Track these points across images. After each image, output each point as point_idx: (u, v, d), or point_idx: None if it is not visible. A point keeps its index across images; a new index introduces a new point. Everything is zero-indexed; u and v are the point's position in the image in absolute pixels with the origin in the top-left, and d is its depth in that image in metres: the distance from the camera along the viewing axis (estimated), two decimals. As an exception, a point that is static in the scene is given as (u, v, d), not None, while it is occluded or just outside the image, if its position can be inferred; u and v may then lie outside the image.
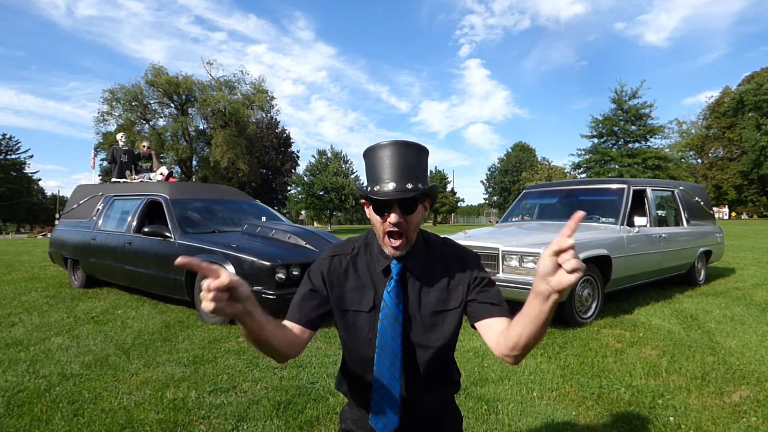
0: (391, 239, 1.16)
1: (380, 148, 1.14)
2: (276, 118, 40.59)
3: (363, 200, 1.21)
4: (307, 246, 5.24)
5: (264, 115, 34.78)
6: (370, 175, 1.17)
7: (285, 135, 43.64)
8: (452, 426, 1.35)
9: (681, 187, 7.21)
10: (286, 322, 1.22)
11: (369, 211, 1.19)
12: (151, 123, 31.78)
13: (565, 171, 45.11)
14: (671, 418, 2.69)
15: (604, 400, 2.96)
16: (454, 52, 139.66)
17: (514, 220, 7.09)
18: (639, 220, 5.66)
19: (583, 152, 39.02)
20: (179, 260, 0.85)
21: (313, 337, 4.43)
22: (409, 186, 1.11)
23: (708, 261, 7.45)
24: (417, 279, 1.22)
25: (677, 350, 3.90)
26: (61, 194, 60.57)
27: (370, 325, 1.21)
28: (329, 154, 40.10)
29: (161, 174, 7.67)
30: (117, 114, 30.25)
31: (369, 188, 1.15)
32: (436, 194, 1.23)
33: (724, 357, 3.72)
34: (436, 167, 53.84)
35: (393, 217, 1.13)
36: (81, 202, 7.67)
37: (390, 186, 1.11)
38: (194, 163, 33.64)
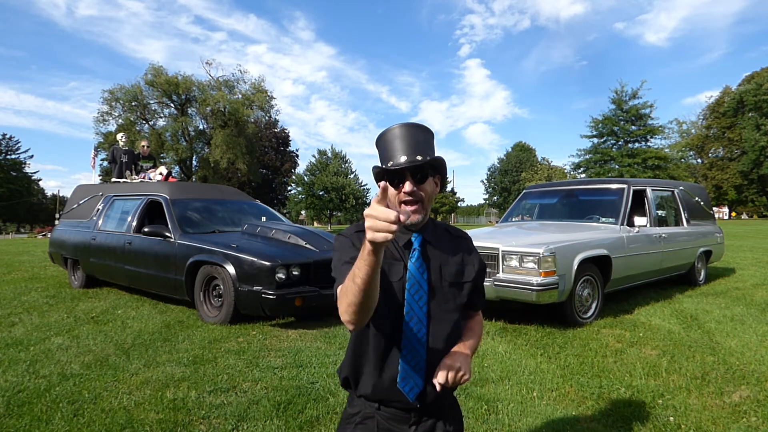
0: (408, 205, 1.25)
1: (390, 131, 1.26)
2: (275, 118, 40.56)
3: (379, 183, 1.29)
4: (307, 246, 5.24)
5: (263, 114, 34.76)
6: (383, 156, 1.27)
7: (284, 135, 43.63)
8: (459, 416, 1.39)
9: (681, 187, 7.21)
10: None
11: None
12: (150, 123, 31.74)
13: (565, 171, 45.13)
14: (671, 418, 2.69)
15: (604, 400, 2.96)
16: (454, 52, 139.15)
17: (514, 220, 7.09)
18: (639, 220, 5.66)
19: (583, 152, 39.05)
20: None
21: (314, 338, 4.43)
22: (419, 158, 1.21)
23: (708, 261, 7.45)
24: (435, 251, 1.31)
25: (677, 350, 3.90)
26: (61, 194, 60.51)
27: (397, 296, 1.26)
28: (329, 154, 40.10)
29: (160, 174, 7.68)
30: (117, 114, 30.19)
31: (384, 166, 1.26)
32: (445, 169, 1.32)
33: (724, 357, 3.72)
34: (436, 167, 53.67)
35: (407, 186, 1.22)
36: (81, 202, 7.67)
37: (402, 159, 1.22)
38: (194, 163, 33.62)
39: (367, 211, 0.91)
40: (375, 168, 1.30)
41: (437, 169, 1.30)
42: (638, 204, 6.27)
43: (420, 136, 1.25)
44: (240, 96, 31.89)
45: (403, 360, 1.24)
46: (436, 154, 1.30)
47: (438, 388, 1.18)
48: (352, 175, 39.56)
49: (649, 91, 60.74)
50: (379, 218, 0.88)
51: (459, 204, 57.77)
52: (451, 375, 1.18)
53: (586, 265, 4.86)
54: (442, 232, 1.37)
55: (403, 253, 1.29)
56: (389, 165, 1.23)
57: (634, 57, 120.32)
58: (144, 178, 8.05)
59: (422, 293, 1.25)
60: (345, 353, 1.37)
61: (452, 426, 1.33)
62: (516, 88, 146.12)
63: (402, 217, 0.89)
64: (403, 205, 1.22)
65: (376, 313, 1.23)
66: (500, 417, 2.71)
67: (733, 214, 53.65)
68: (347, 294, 1.06)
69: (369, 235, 0.90)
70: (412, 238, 1.29)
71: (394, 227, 0.87)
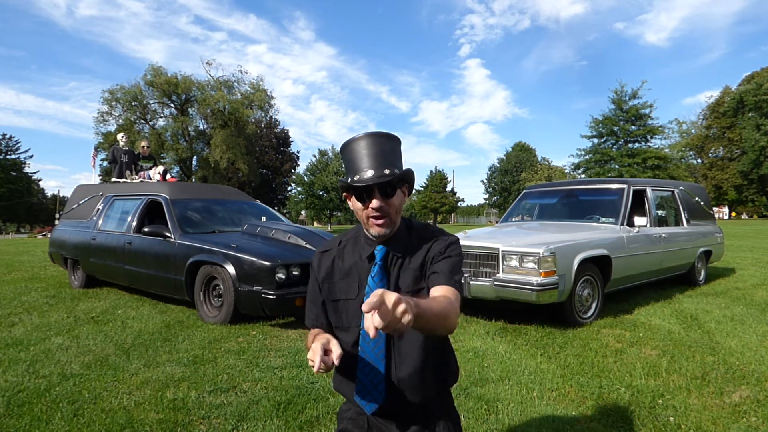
0: (375, 219, 1.22)
1: (356, 141, 1.22)
2: (275, 118, 40.58)
3: (345, 193, 1.28)
4: (307, 246, 5.24)
5: (263, 114, 34.76)
6: (349, 168, 1.23)
7: (284, 134, 43.62)
8: (453, 418, 1.36)
9: (681, 187, 7.21)
10: (318, 331, 1.32)
11: (352, 202, 1.26)
12: (150, 123, 31.75)
13: (565, 171, 45.14)
14: (671, 418, 2.69)
15: (604, 400, 2.96)
16: (454, 52, 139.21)
17: (514, 220, 7.09)
18: (639, 220, 5.66)
19: (582, 152, 39.06)
20: None
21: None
22: (386, 172, 1.18)
23: (708, 261, 7.45)
24: (399, 262, 1.28)
25: (677, 350, 3.90)
26: (61, 194, 60.56)
27: (358, 312, 1.26)
28: (330, 154, 40.10)
29: (159, 173, 7.71)
30: (117, 114, 30.21)
31: (349, 179, 1.22)
32: (412, 178, 1.29)
33: (724, 357, 3.72)
34: (436, 167, 53.87)
35: (374, 203, 1.19)
36: (81, 202, 7.67)
37: (369, 174, 1.18)
38: (194, 163, 33.61)
39: (309, 354, 1.12)
40: (340, 181, 1.27)
41: (405, 179, 1.26)
42: (638, 204, 6.27)
43: (387, 146, 1.21)
44: (240, 96, 31.88)
45: (360, 374, 1.24)
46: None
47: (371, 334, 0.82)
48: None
49: (649, 91, 61.04)
50: (311, 360, 1.09)
51: (459, 204, 57.72)
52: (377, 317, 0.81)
53: (586, 265, 4.86)
54: (415, 237, 1.31)
55: (365, 267, 1.28)
56: (356, 180, 1.19)
57: (634, 57, 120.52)
58: (144, 176, 8.07)
59: None
60: None
61: (443, 428, 1.31)
62: (516, 88, 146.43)
63: (328, 366, 1.11)
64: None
65: (342, 330, 1.29)
66: (500, 417, 2.71)
67: (733, 214, 53.65)
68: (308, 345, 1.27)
69: (309, 363, 1.11)
70: (375, 251, 1.27)
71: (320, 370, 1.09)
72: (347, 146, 1.24)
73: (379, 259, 1.26)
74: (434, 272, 1.24)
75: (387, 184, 1.19)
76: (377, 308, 0.81)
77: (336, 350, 1.11)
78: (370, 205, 1.20)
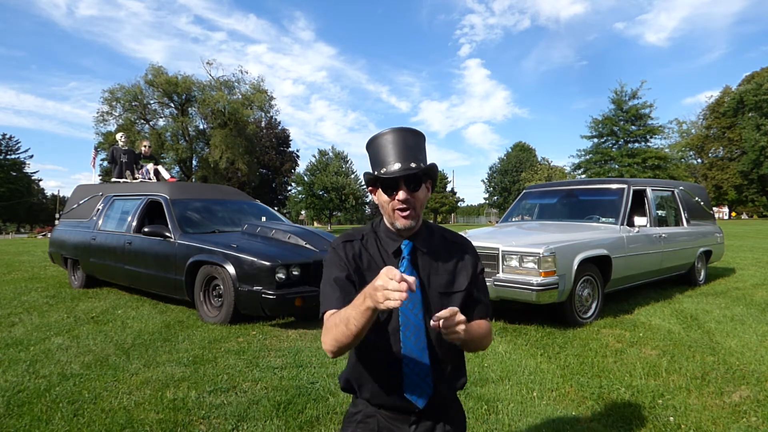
0: (402, 211, 1.24)
1: (382, 136, 1.25)
2: (275, 118, 40.60)
3: (370, 187, 1.30)
4: (307, 246, 5.24)
5: (263, 115, 34.76)
6: (375, 161, 1.26)
7: (284, 135, 43.62)
8: (461, 418, 1.39)
9: (681, 187, 7.21)
10: (334, 311, 1.19)
11: (377, 195, 1.28)
12: (151, 123, 31.73)
13: (565, 171, 45.16)
14: (671, 418, 2.69)
15: (604, 400, 2.96)
16: (454, 52, 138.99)
17: (514, 220, 7.09)
18: (639, 220, 5.66)
19: (583, 153, 39.06)
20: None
21: (314, 338, 4.43)
22: (413, 165, 1.20)
23: (708, 261, 7.45)
24: (425, 258, 1.29)
25: (677, 350, 3.90)
26: (61, 194, 60.47)
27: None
28: (330, 154, 40.09)
29: (155, 172, 7.83)
30: (117, 114, 30.18)
31: (376, 172, 1.24)
32: (436, 174, 1.31)
33: (724, 357, 3.72)
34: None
35: (401, 194, 1.21)
36: (81, 202, 7.67)
37: (396, 166, 1.20)
38: (194, 163, 33.60)
39: (379, 283, 0.95)
40: (366, 174, 1.28)
41: (429, 174, 1.29)
42: (638, 204, 6.27)
43: (411, 140, 1.24)
44: (240, 96, 31.87)
45: (407, 369, 1.23)
46: (429, 157, 1.28)
47: (432, 324, 1.06)
48: (353, 176, 39.54)
49: (649, 91, 60.88)
50: (390, 290, 0.93)
51: (459, 204, 57.77)
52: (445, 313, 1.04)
53: (586, 265, 4.86)
54: (438, 238, 1.35)
55: (391, 262, 1.28)
56: (382, 172, 1.21)
57: (634, 57, 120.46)
58: (142, 172, 8.15)
59: (416, 301, 1.23)
60: (347, 361, 1.38)
61: (453, 426, 1.32)
62: (516, 88, 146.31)
63: (413, 287, 0.95)
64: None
65: (373, 326, 1.21)
66: (500, 417, 2.71)
67: (733, 214, 53.65)
68: (335, 333, 1.10)
69: (382, 304, 0.95)
70: (402, 246, 1.28)
71: (405, 295, 0.93)
72: (374, 141, 1.26)
73: (407, 254, 1.27)
74: (479, 301, 1.34)
75: (413, 177, 1.21)
76: (447, 317, 1.04)
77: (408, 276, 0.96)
78: (397, 197, 1.22)
